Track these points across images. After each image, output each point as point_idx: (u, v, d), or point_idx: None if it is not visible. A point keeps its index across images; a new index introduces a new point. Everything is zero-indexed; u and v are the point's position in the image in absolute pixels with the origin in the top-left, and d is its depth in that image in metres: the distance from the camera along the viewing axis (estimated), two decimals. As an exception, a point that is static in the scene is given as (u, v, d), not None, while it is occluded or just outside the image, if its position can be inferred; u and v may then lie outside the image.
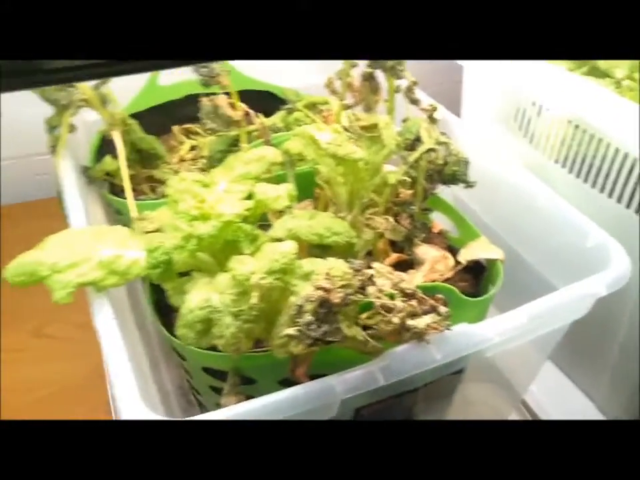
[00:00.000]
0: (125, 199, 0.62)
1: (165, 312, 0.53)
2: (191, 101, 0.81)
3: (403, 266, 0.60)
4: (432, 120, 0.57)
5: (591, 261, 0.51)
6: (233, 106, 0.54)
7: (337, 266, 0.41)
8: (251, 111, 0.57)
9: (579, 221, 0.53)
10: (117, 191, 0.67)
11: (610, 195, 0.59)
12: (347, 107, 0.55)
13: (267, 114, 0.80)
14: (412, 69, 0.89)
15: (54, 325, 0.79)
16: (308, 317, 0.36)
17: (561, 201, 0.55)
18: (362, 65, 0.55)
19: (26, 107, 0.60)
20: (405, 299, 0.41)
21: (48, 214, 0.94)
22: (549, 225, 0.56)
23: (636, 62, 0.66)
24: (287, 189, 0.46)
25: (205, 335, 0.39)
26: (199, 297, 0.40)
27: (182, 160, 0.72)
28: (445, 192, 0.62)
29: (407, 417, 0.52)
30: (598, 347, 0.67)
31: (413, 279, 0.53)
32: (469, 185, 0.58)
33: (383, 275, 0.44)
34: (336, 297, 0.36)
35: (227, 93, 0.56)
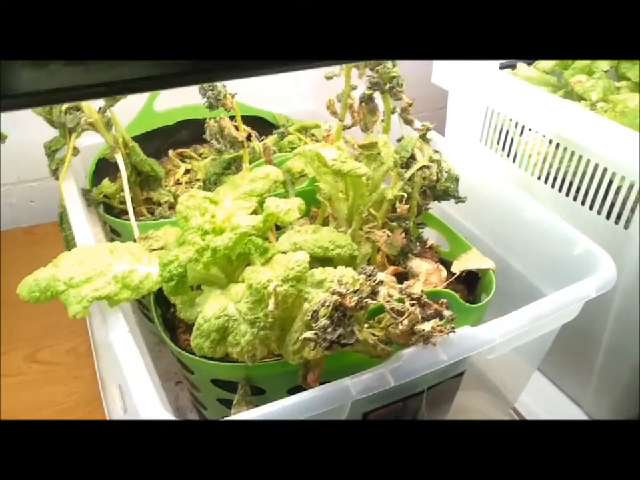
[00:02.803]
0: (123, 220, 0.64)
1: (170, 328, 0.54)
2: (183, 127, 0.84)
3: (399, 279, 0.62)
4: (424, 139, 0.60)
5: (578, 267, 0.54)
6: (236, 128, 0.57)
7: (347, 273, 0.43)
8: (254, 132, 0.60)
9: (566, 231, 0.56)
10: (114, 212, 0.69)
11: (591, 208, 0.62)
12: (346, 127, 0.58)
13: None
14: None
15: (45, 351, 0.80)
16: (324, 321, 0.38)
17: (548, 213, 0.58)
18: (361, 88, 0.59)
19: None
20: (413, 302, 0.43)
21: (37, 240, 0.95)
22: (537, 236, 0.59)
23: (608, 87, 0.71)
24: (297, 202, 0.48)
25: (220, 343, 0.41)
26: (215, 307, 0.42)
27: (178, 182, 0.74)
28: (436, 207, 0.65)
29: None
30: (583, 353, 0.70)
31: (414, 288, 0.56)
32: (460, 200, 0.61)
33: (388, 284, 0.46)
34: (350, 301, 0.38)
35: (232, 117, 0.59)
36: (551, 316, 0.47)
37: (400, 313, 0.41)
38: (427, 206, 0.61)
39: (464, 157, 0.68)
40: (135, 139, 0.80)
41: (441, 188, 0.60)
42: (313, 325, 0.38)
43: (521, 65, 0.81)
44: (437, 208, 0.67)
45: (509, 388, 0.67)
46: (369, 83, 0.53)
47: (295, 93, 0.93)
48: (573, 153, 0.63)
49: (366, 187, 0.54)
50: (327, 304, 0.39)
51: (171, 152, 0.77)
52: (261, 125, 0.86)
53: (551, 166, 0.67)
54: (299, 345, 0.40)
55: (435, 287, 0.61)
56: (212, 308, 0.42)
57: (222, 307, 0.42)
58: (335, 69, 0.56)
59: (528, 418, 0.72)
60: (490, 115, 0.74)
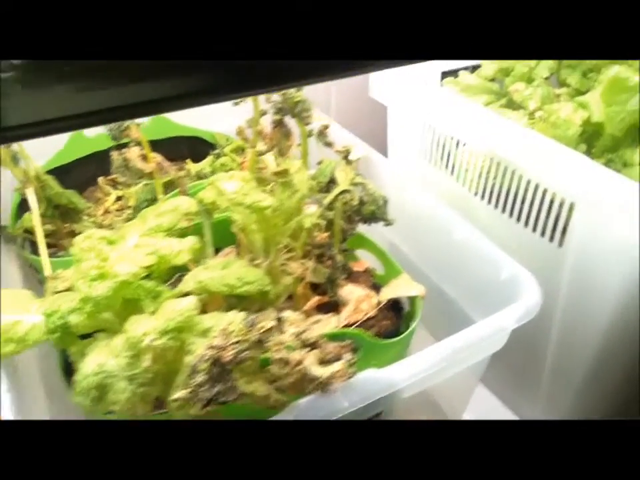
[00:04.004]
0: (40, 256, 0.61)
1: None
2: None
3: (329, 307, 0.59)
4: (347, 161, 0.57)
5: (505, 293, 0.51)
6: (144, 158, 0.54)
7: (236, 320, 0.40)
8: (166, 162, 0.57)
9: (493, 254, 0.54)
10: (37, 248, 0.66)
11: (526, 225, 0.60)
12: (261, 154, 0.55)
13: (198, 159, 0.80)
14: (340, 111, 0.90)
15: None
16: (201, 377, 0.36)
17: (477, 234, 0.56)
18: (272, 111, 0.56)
19: None
20: (308, 348, 0.40)
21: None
22: (466, 259, 0.56)
23: (547, 94, 0.68)
24: (191, 242, 0.45)
25: (100, 401, 0.38)
26: (93, 362, 0.39)
27: (107, 211, 0.71)
28: (375, 229, 0.62)
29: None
30: (528, 370, 0.67)
31: (327, 324, 0.53)
32: (388, 222, 0.59)
33: (294, 323, 0.43)
34: (227, 355, 0.35)
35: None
36: (466, 351, 0.44)
37: (288, 363, 0.39)
38: (352, 231, 0.58)
39: (400, 176, 0.65)
40: (66, 166, 0.78)
41: (367, 211, 0.57)
42: (190, 381, 0.36)
43: (463, 73, 0.78)
44: (376, 230, 0.64)
45: (450, 407, 0.65)
46: (274, 108, 0.50)
47: (237, 109, 0.90)
48: (505, 169, 0.61)
49: (278, 217, 0.51)
50: (205, 358, 0.36)
51: (100, 179, 0.74)
52: (199, 145, 0.83)
53: (486, 182, 0.64)
54: (179, 402, 0.37)
55: (365, 314, 0.59)
56: (91, 363, 0.39)
57: (101, 362, 0.39)
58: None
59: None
60: (427, 130, 0.71)
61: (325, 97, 0.93)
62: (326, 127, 0.55)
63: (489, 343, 0.48)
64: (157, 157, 0.56)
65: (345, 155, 0.56)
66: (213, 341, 0.36)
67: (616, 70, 0.53)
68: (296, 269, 0.52)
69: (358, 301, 0.60)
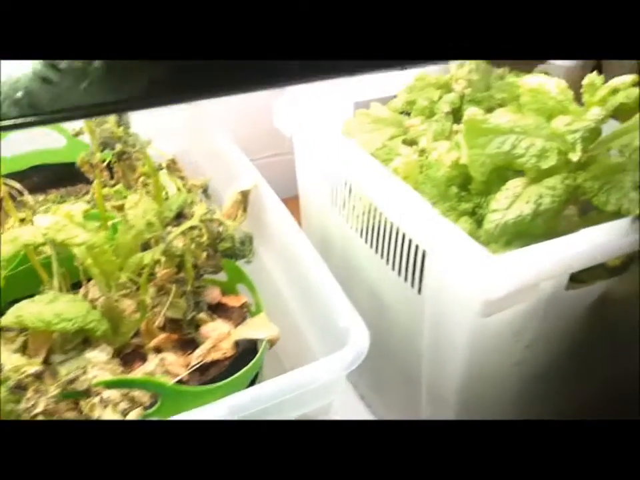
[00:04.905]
0: None
1: None
2: (35, 172, 0.82)
3: (191, 345, 0.58)
4: (206, 194, 0.56)
5: (340, 340, 0.49)
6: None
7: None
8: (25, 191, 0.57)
9: (335, 299, 0.52)
10: None
11: (393, 268, 0.58)
12: (109, 186, 0.55)
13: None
14: (243, 137, 0.89)
15: None
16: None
17: (326, 277, 0.54)
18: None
19: None
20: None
21: None
22: (315, 302, 0.54)
23: (442, 131, 0.66)
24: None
25: None
26: None
27: (3, 233, 0.72)
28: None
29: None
30: (410, 399, 0.65)
31: (156, 364, 0.52)
32: (248, 260, 0.58)
33: (97, 365, 0.43)
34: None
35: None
36: (283, 402, 0.43)
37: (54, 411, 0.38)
38: (209, 267, 0.57)
39: (278, 211, 0.64)
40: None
41: (223, 248, 0.56)
42: None
43: (375, 104, 0.76)
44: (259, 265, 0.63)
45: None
46: (99, 142, 0.50)
47: (166, 131, 0.90)
48: (375, 210, 0.58)
49: (112, 253, 0.50)
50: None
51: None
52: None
53: (364, 223, 0.62)
54: None
55: (224, 354, 0.57)
56: None
57: None
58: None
59: None
60: (320, 166, 0.70)
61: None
62: (173, 162, 0.54)
63: (310, 396, 0.46)
64: (14, 184, 0.56)
65: (203, 188, 0.55)
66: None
67: (471, 111, 0.51)
68: (128, 306, 0.51)
69: (217, 339, 0.58)
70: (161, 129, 0.87)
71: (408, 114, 0.76)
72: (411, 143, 0.69)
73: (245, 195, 0.69)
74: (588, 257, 0.47)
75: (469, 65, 0.72)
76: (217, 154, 0.78)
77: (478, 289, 0.43)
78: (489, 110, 0.70)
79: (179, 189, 0.53)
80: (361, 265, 0.65)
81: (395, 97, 0.78)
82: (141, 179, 0.53)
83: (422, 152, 0.65)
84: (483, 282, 0.42)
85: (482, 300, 0.43)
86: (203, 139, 0.82)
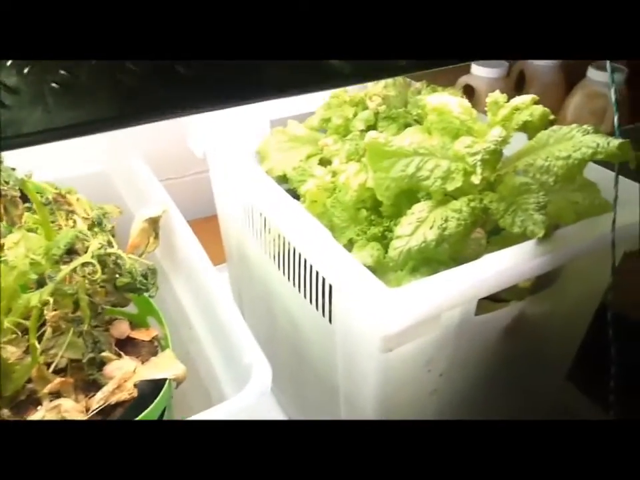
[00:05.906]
0: None
1: None
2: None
3: (95, 386, 0.54)
4: (101, 229, 0.53)
5: (244, 376, 0.47)
6: None
7: None
8: None
9: (239, 335, 0.49)
10: None
11: (305, 297, 0.55)
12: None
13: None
14: (164, 155, 0.85)
15: None
16: None
17: (231, 312, 0.51)
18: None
19: None
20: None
21: None
22: (221, 335, 0.52)
23: (356, 150, 0.64)
24: None
25: None
26: None
27: None
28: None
29: None
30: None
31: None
32: (151, 295, 0.54)
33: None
34: None
35: None
36: None
37: None
38: (108, 304, 0.54)
39: (186, 239, 0.61)
40: None
41: (120, 284, 0.53)
42: None
43: (292, 122, 0.74)
44: (171, 292, 0.60)
45: None
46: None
47: (83, 154, 0.86)
48: (284, 239, 0.56)
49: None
50: None
51: None
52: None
53: (275, 249, 0.59)
54: None
55: (130, 393, 0.54)
56: None
57: None
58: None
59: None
60: (233, 189, 0.67)
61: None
62: (62, 196, 0.50)
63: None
64: None
65: (96, 221, 0.52)
66: None
67: (372, 134, 0.49)
68: (12, 353, 0.47)
69: (122, 378, 0.55)
70: (80, 147, 0.84)
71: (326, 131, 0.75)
72: (327, 162, 0.67)
73: (154, 222, 0.66)
74: (493, 283, 0.46)
75: (384, 80, 0.70)
76: (130, 176, 0.75)
77: (375, 324, 0.41)
78: (406, 126, 0.68)
79: (63, 226, 0.49)
80: (277, 290, 0.63)
81: (313, 113, 0.76)
82: (25, 215, 0.49)
83: (334, 173, 0.63)
84: (380, 317, 0.40)
85: (380, 335, 0.41)
86: (119, 160, 0.79)
